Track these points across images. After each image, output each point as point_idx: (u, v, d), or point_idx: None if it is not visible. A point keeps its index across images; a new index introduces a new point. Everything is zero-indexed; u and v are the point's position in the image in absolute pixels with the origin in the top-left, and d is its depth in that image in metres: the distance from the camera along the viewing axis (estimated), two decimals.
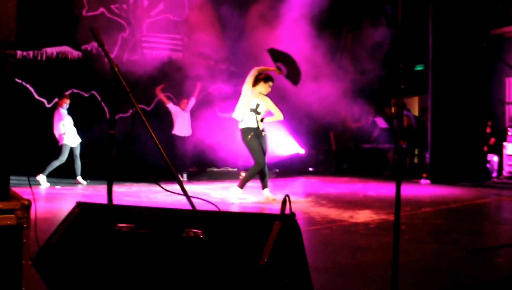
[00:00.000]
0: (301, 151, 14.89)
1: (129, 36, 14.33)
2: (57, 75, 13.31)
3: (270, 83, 8.86)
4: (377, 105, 15.75)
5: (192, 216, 2.74)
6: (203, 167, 15.39)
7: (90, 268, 2.67)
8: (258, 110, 8.78)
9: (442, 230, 6.36)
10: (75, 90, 12.91)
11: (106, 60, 3.39)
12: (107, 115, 14.25)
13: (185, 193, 3.28)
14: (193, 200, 3.20)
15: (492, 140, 12.91)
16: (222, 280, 2.35)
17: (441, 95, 12.02)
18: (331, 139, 16.06)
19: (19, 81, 12.36)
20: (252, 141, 8.68)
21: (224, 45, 14.28)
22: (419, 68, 13.81)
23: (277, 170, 15.29)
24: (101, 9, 13.94)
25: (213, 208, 2.78)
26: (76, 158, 11.83)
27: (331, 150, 16.15)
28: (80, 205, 2.95)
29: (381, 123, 15.12)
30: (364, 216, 7.32)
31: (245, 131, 8.73)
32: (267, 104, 8.85)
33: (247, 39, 13.12)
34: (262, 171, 8.76)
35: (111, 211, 2.97)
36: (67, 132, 11.59)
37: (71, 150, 11.70)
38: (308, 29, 12.32)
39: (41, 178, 11.24)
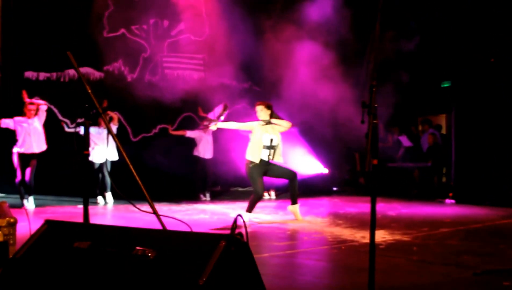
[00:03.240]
0: (325, 170, 14.70)
1: (150, 57, 14.38)
2: (79, 96, 13.37)
3: (257, 108, 8.87)
4: (401, 123, 15.50)
5: (146, 235, 2.77)
6: (228, 186, 15.33)
7: (48, 284, 2.71)
8: (273, 144, 8.77)
9: (455, 251, 6.09)
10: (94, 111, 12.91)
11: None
12: (130, 135, 14.31)
13: (155, 212, 3.35)
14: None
15: None
16: None
17: (466, 112, 11.72)
18: (356, 160, 15.84)
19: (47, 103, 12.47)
20: (252, 170, 8.67)
21: (245, 64, 14.25)
22: (446, 85, 13.50)
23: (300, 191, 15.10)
24: (122, 30, 14.02)
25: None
26: (103, 176, 12.03)
27: (356, 170, 15.91)
28: (47, 223, 3.04)
29: (405, 141, 14.87)
30: (377, 236, 6.99)
31: (249, 161, 8.74)
32: (276, 132, 8.82)
33: (269, 60, 13.06)
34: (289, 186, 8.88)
35: (73, 229, 3.01)
36: (92, 149, 11.78)
37: (99, 167, 11.95)
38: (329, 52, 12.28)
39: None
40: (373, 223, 3.29)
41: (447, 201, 11.82)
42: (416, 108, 15.74)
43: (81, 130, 11.84)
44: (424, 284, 4.54)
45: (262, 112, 8.81)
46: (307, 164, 14.03)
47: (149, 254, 2.50)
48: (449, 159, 12.69)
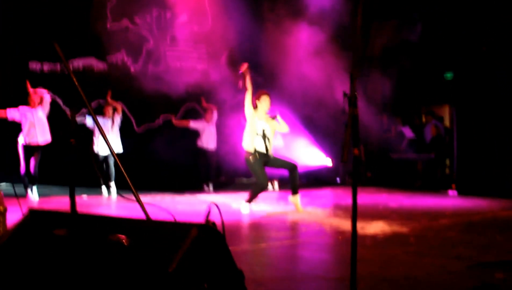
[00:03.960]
0: (328, 162, 14.72)
1: (153, 48, 14.40)
2: (83, 87, 13.44)
3: (265, 97, 8.77)
4: (404, 115, 15.48)
5: (122, 223, 2.76)
6: (232, 177, 15.36)
7: (27, 271, 2.73)
8: (266, 134, 8.73)
9: (451, 243, 6.09)
10: (101, 101, 12.99)
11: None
12: (134, 126, 14.36)
13: (138, 200, 3.35)
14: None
15: None
16: (138, 284, 2.38)
17: (468, 103, 11.68)
18: (361, 150, 15.78)
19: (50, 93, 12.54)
20: (253, 162, 8.67)
21: (248, 55, 14.24)
22: (448, 75, 13.43)
23: (303, 181, 15.14)
24: (125, 21, 14.04)
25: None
26: (108, 167, 12.10)
27: (361, 161, 15.85)
28: (30, 212, 3.03)
29: (408, 133, 14.83)
30: (375, 227, 7.12)
31: (248, 153, 8.71)
32: (272, 125, 8.83)
33: (271, 50, 13.05)
34: (289, 177, 8.85)
35: (53, 217, 2.99)
36: (97, 140, 11.89)
37: (104, 158, 12.03)
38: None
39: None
40: (354, 214, 3.31)
41: (450, 192, 11.80)
42: (419, 99, 15.69)
43: (87, 120, 11.96)
44: (417, 276, 4.53)
45: (267, 102, 8.79)
46: (310, 155, 14.05)
47: (124, 241, 2.53)
48: (453, 150, 12.67)
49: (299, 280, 4.52)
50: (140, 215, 3.16)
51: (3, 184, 12.59)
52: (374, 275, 4.59)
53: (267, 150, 8.70)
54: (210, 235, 2.49)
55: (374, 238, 6.40)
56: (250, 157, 8.64)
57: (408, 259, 5.25)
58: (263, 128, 8.68)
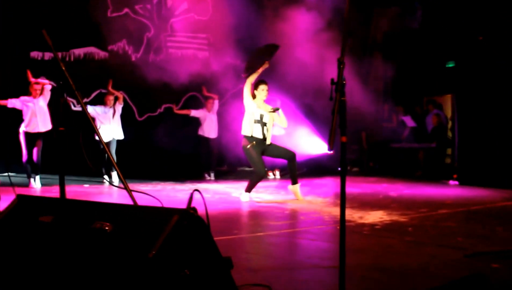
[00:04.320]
0: (329, 150, 14.68)
1: (154, 36, 14.39)
2: (85, 76, 13.49)
3: (263, 87, 8.76)
4: (406, 104, 15.45)
5: (105, 209, 2.79)
6: (234, 166, 15.37)
7: (14, 256, 2.78)
8: (264, 120, 8.73)
9: (450, 233, 6.07)
10: (103, 90, 13.00)
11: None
12: (136, 114, 14.38)
13: (126, 188, 3.36)
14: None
15: None
16: (119, 270, 2.40)
17: (469, 92, 11.62)
18: (362, 138, 15.77)
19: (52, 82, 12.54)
20: (250, 151, 8.66)
21: (249, 43, 14.22)
22: (450, 65, 13.38)
23: (305, 169, 15.14)
24: (126, 10, 14.02)
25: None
26: (110, 155, 12.11)
27: (363, 149, 15.84)
28: (19, 198, 3.07)
29: (409, 122, 14.80)
30: (374, 217, 7.13)
31: (248, 139, 8.71)
32: (271, 116, 8.83)
33: (272, 39, 13.00)
34: (288, 167, 8.87)
35: (40, 204, 3.03)
36: (99, 128, 11.91)
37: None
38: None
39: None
40: (343, 203, 3.29)
41: (451, 182, 11.77)
42: (421, 88, 15.65)
43: (88, 109, 11.98)
44: (413, 265, 4.53)
45: (265, 91, 8.79)
46: (311, 144, 14.02)
47: (106, 228, 2.54)
48: (454, 140, 12.62)
49: (295, 268, 4.53)
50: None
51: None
52: (368, 264, 4.60)
53: (264, 137, 8.69)
54: (191, 222, 2.49)
55: (372, 227, 6.40)
56: (248, 146, 8.64)
57: (405, 249, 5.25)
58: (261, 114, 8.69)
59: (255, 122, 8.64)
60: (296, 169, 8.84)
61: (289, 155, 8.82)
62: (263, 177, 8.79)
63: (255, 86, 8.78)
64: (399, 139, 14.84)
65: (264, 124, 8.69)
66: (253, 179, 8.76)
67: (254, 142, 8.62)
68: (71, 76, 12.24)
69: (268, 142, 8.75)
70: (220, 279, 2.60)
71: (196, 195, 2.76)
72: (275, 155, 9.00)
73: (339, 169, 10.68)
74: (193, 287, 2.42)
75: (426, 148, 14.02)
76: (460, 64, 11.88)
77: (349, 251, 5.17)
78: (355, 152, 15.98)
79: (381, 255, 4.97)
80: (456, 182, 11.68)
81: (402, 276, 4.24)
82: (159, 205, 2.87)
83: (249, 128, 8.65)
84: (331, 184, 12.23)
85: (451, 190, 10.68)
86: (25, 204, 2.97)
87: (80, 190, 10.09)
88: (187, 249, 2.45)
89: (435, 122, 13.96)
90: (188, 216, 2.48)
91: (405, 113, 15.17)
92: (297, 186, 8.89)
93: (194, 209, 2.55)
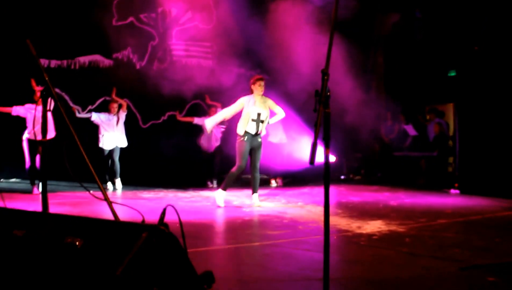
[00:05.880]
0: (332, 158, 14.69)
1: (159, 44, 14.47)
2: (89, 83, 13.59)
3: (260, 82, 9.17)
4: (408, 113, 15.45)
5: (77, 224, 2.79)
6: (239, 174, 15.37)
7: None
8: (261, 118, 9.09)
9: (447, 244, 6.06)
10: (107, 98, 13.08)
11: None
12: (140, 122, 14.44)
13: (106, 199, 3.38)
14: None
15: None
16: (87, 287, 2.40)
17: (470, 101, 11.60)
18: (375, 151, 15.74)
19: (56, 89, 12.64)
20: (243, 144, 9.04)
21: (253, 52, 14.28)
22: (452, 74, 13.38)
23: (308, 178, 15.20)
24: (131, 18, 14.15)
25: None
26: (113, 162, 12.21)
27: (374, 159, 15.79)
28: None
29: (411, 131, 14.80)
30: (372, 226, 7.14)
31: (239, 134, 9.12)
32: (267, 108, 9.20)
33: (276, 47, 13.04)
34: (252, 176, 9.29)
35: (14, 217, 3.04)
36: (102, 136, 12.03)
37: (109, 153, 12.15)
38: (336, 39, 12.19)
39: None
40: (327, 214, 3.30)
41: (452, 191, 11.76)
42: (423, 97, 15.66)
43: (92, 116, 12.06)
44: (407, 278, 4.53)
45: (262, 86, 9.18)
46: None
47: (77, 243, 2.53)
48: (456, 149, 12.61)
49: (286, 280, 4.52)
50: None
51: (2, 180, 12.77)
52: (363, 276, 4.60)
53: (257, 131, 9.07)
54: (161, 238, 2.47)
55: (369, 237, 6.41)
56: (242, 138, 9.02)
57: (400, 260, 5.23)
58: (259, 112, 9.06)
59: (252, 121, 9.01)
60: (234, 178, 9.30)
61: (255, 167, 9.29)
62: (241, 171, 9.22)
63: (253, 82, 9.20)
64: (400, 148, 14.84)
65: (261, 122, 9.08)
66: (232, 174, 9.12)
67: (246, 137, 9.01)
68: (76, 83, 12.49)
69: (259, 135, 9.13)
70: None
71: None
72: (253, 157, 9.28)
73: (342, 177, 10.83)
74: None
75: (428, 156, 14.01)
76: (460, 73, 11.88)
77: (343, 262, 5.24)
78: (358, 160, 15.98)
79: (375, 266, 4.97)
80: (457, 191, 11.66)
81: (391, 288, 4.24)
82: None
83: (243, 126, 9.06)
84: (332, 192, 12.15)
85: (451, 199, 10.68)
86: (1, 216, 3.01)
87: (85, 197, 10.11)
88: (156, 266, 2.44)
89: (436, 131, 13.96)
90: (158, 232, 2.47)
91: (407, 122, 15.17)
92: (256, 195, 9.36)
93: (166, 225, 2.52)
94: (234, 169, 9.14)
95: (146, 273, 2.38)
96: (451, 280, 4.48)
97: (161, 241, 2.47)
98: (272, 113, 9.39)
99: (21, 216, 2.99)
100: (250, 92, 9.25)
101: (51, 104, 10.67)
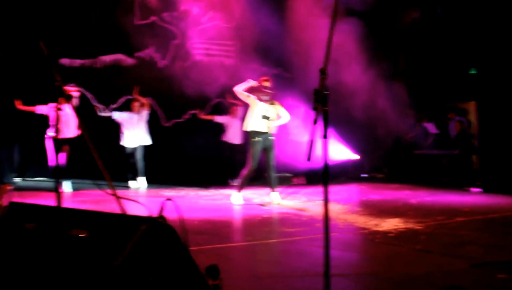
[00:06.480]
0: (355, 156, 14.74)
1: (181, 43, 14.60)
2: (112, 82, 13.77)
3: (264, 83, 9.34)
4: (429, 110, 15.41)
5: (82, 216, 2.89)
6: (261, 172, 15.44)
7: (2, 261, 2.90)
8: (268, 115, 9.29)
9: (461, 241, 6.08)
10: (130, 97, 13.24)
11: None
12: (162, 120, 14.60)
13: (114, 194, 3.52)
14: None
15: None
16: (90, 276, 2.48)
17: (490, 99, 11.54)
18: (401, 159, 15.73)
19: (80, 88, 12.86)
20: (257, 144, 9.21)
21: (275, 50, 14.34)
22: (473, 72, 13.31)
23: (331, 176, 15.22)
24: (153, 18, 14.30)
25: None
26: (137, 160, 12.41)
27: (401, 161, 15.75)
28: (10, 204, 3.23)
29: (431, 128, 14.74)
30: (389, 224, 7.17)
31: (253, 134, 9.29)
32: (275, 108, 9.40)
33: (297, 45, 13.10)
34: (268, 175, 9.48)
35: (26, 211, 3.14)
36: (124, 134, 12.23)
37: (132, 151, 12.36)
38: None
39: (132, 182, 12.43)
40: (326, 212, 3.36)
41: (473, 189, 11.69)
42: (445, 95, 15.59)
43: (115, 114, 12.26)
44: (417, 274, 4.57)
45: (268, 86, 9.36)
46: (337, 150, 14.07)
47: (82, 235, 2.64)
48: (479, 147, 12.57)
49: (298, 275, 4.60)
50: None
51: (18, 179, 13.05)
52: (374, 273, 4.67)
53: (268, 131, 9.26)
54: (160, 231, 2.57)
55: (384, 235, 6.45)
56: (257, 139, 9.21)
57: (412, 257, 5.29)
58: (267, 110, 9.28)
59: (261, 118, 9.23)
60: (248, 179, 9.50)
61: (270, 165, 9.47)
62: (254, 171, 9.38)
63: (259, 82, 9.38)
64: (421, 146, 14.81)
65: (268, 119, 9.28)
66: (247, 175, 9.34)
67: (259, 137, 9.19)
68: (99, 82, 12.64)
69: (270, 133, 9.29)
70: (193, 286, 2.69)
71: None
72: (267, 157, 9.47)
73: (364, 175, 10.85)
74: None
75: (449, 155, 13.95)
76: (481, 71, 11.82)
77: (355, 258, 5.30)
78: (380, 159, 15.96)
79: (386, 263, 5.03)
80: (479, 189, 11.59)
81: (399, 285, 4.30)
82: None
83: (252, 124, 9.25)
84: (353, 190, 12.24)
85: (472, 198, 10.59)
86: (15, 210, 3.13)
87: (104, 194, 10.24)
88: (154, 257, 2.53)
89: (457, 129, 13.89)
90: (156, 224, 2.56)
91: (429, 120, 15.12)
92: (275, 193, 9.52)
93: (164, 218, 2.61)
94: (245, 170, 9.35)
95: (144, 263, 2.48)
96: (461, 277, 4.51)
97: (159, 233, 2.56)
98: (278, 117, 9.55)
99: (32, 210, 3.10)
100: (255, 93, 9.43)
101: (74, 102, 10.85)
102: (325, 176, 3.32)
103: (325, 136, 3.32)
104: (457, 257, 5.27)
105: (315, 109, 3.27)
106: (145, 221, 2.55)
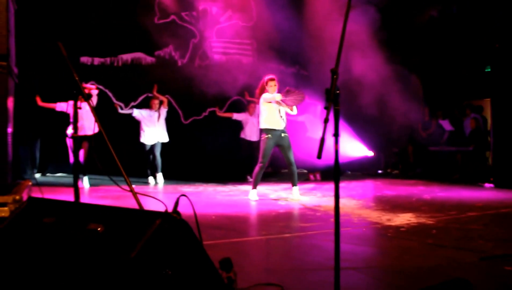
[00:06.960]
0: (370, 153, 14.83)
1: (200, 42, 14.79)
2: (132, 80, 13.99)
3: (272, 83, 9.50)
4: (444, 107, 15.44)
5: (99, 211, 3.00)
6: (278, 168, 15.60)
7: (19, 254, 3.00)
8: (280, 113, 9.51)
9: (472, 236, 6.19)
10: (149, 95, 13.44)
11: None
12: (181, 118, 14.79)
13: (131, 190, 3.64)
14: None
15: None
16: (106, 269, 2.57)
17: (505, 96, 11.58)
18: (409, 153, 15.75)
19: (100, 86, 13.12)
20: (267, 141, 9.41)
21: (292, 48, 14.46)
22: (488, 69, 13.33)
23: (349, 172, 15.37)
24: (172, 17, 14.50)
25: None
26: (154, 157, 12.63)
27: (409, 162, 15.80)
28: (30, 199, 3.34)
29: (447, 126, 14.79)
30: (402, 219, 7.30)
31: (264, 131, 9.49)
32: (283, 106, 9.50)
33: (314, 43, 13.20)
34: (289, 170, 9.60)
35: (45, 206, 3.27)
36: (143, 131, 12.46)
37: (151, 148, 12.57)
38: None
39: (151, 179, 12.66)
40: (337, 207, 3.49)
41: (486, 185, 11.77)
42: (460, 92, 15.64)
43: (134, 112, 12.48)
44: (427, 267, 4.69)
45: (275, 87, 9.49)
46: (352, 146, 14.18)
47: (99, 229, 2.74)
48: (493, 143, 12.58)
49: (312, 269, 4.72)
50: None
51: (38, 175, 13.29)
52: (384, 266, 4.80)
53: (281, 127, 9.45)
54: (174, 225, 2.67)
55: (397, 229, 6.58)
56: (266, 136, 9.40)
57: (423, 251, 5.39)
58: (278, 108, 9.45)
59: (276, 115, 9.44)
60: (259, 176, 9.58)
61: (290, 162, 9.58)
62: (264, 168, 9.52)
63: (266, 82, 9.55)
64: (437, 143, 14.86)
65: (280, 116, 9.47)
66: (257, 172, 9.47)
67: (271, 134, 9.36)
68: (119, 80, 12.87)
69: (284, 130, 9.49)
70: (206, 278, 2.82)
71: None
72: (285, 155, 9.64)
73: (379, 171, 10.97)
74: (175, 286, 2.63)
75: (464, 151, 14.00)
76: (495, 69, 11.85)
77: (366, 252, 5.44)
78: (395, 155, 16.04)
79: (399, 257, 5.14)
80: (492, 185, 11.66)
81: (410, 277, 4.43)
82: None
83: (266, 122, 9.45)
84: (368, 186, 12.35)
85: (485, 193, 10.69)
86: (34, 205, 3.26)
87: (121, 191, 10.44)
88: (168, 250, 2.63)
89: (472, 125, 13.95)
90: (170, 219, 2.66)
91: (444, 117, 15.17)
92: (296, 188, 9.62)
93: (178, 212, 2.71)
94: (256, 168, 9.51)
95: (158, 256, 2.59)
96: (469, 270, 4.62)
97: (173, 227, 2.67)
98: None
99: (51, 205, 3.24)
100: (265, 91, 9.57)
101: (94, 100, 11.07)
102: (336, 172, 3.44)
103: (336, 135, 3.44)
104: (467, 251, 5.38)
105: (326, 108, 3.38)
106: (160, 216, 2.65)
